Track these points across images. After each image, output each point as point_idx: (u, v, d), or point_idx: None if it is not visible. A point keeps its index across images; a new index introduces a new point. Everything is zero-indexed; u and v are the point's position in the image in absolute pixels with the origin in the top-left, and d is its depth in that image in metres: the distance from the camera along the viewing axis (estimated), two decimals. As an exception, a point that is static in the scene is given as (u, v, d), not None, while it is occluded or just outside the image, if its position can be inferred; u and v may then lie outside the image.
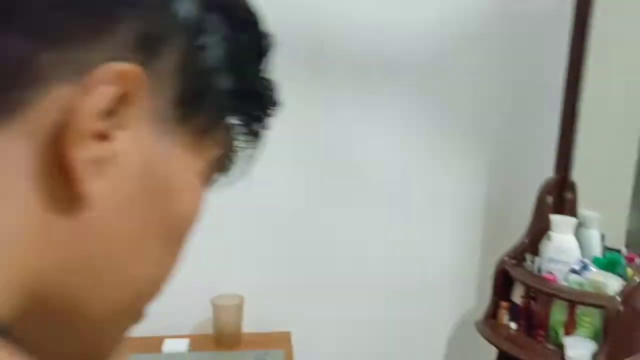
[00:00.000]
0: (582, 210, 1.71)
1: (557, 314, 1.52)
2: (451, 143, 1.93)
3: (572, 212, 1.69)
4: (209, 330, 1.84)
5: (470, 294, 1.97)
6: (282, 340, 1.89)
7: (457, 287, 1.97)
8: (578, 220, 1.62)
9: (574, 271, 1.53)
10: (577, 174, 1.72)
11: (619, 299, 1.39)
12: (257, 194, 1.88)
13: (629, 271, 1.50)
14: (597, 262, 1.59)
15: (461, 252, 1.95)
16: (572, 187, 1.69)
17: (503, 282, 1.62)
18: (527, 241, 1.65)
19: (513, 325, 1.60)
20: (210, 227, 1.82)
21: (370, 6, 1.83)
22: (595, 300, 1.43)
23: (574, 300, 1.46)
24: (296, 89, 1.82)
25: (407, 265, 1.97)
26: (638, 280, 1.41)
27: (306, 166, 1.89)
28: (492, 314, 1.64)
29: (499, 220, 1.93)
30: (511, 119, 1.91)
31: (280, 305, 1.96)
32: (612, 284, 1.45)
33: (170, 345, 1.74)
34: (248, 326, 1.87)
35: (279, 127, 2.01)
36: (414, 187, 1.95)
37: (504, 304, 1.61)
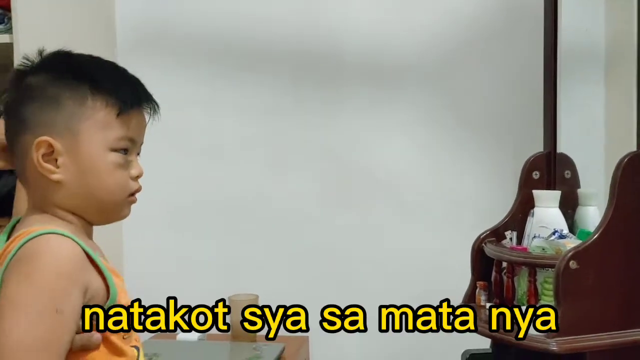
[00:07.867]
0: (583, 188, 1.57)
1: (522, 284, 1.38)
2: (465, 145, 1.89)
3: (571, 189, 1.55)
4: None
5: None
6: (298, 342, 1.89)
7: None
8: (561, 193, 1.48)
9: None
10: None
11: (569, 255, 1.24)
12: (272, 200, 1.98)
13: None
14: (581, 234, 1.43)
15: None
16: (566, 162, 1.56)
17: (479, 261, 1.52)
18: (508, 218, 1.53)
19: (488, 305, 1.47)
20: (229, 233, 1.94)
21: (377, 15, 1.92)
22: (548, 260, 1.30)
23: (527, 263, 1.33)
24: (312, 96, 1.93)
25: (427, 272, 1.90)
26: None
27: (322, 173, 1.95)
28: (471, 296, 1.52)
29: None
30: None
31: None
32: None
33: (184, 335, 1.84)
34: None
35: (295, 132, 2.15)
36: (432, 192, 1.91)
37: (480, 283, 1.50)
